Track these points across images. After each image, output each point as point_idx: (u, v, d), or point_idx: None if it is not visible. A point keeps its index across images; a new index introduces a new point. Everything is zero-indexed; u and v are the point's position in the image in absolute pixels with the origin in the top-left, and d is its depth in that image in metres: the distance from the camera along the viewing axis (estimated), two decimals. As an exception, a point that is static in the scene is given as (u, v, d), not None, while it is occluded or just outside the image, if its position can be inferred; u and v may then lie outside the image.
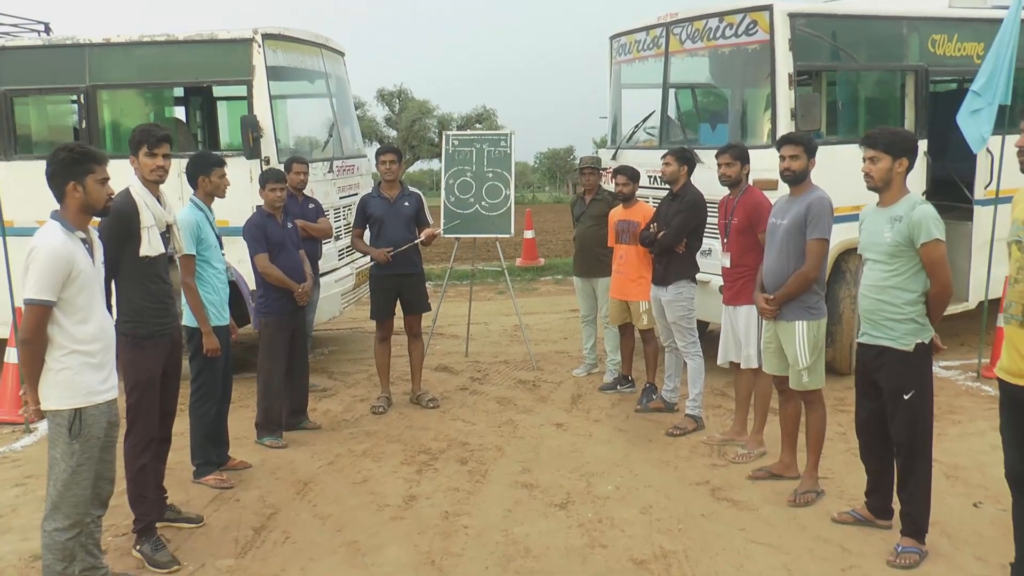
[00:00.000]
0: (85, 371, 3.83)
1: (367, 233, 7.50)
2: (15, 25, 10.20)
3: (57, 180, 3.85)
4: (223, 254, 5.75)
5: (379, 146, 7.57)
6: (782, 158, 5.31)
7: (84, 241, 3.88)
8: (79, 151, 3.86)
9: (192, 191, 5.64)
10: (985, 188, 8.51)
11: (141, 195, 4.67)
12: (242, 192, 7.81)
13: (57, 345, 3.80)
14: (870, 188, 4.58)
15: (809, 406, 5.33)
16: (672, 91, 8.71)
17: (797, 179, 5.27)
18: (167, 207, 4.87)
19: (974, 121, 7.40)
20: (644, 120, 8.99)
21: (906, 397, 4.41)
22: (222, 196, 5.71)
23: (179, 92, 10.60)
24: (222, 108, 11.06)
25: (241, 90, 8.27)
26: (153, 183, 4.81)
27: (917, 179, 7.94)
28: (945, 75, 9.10)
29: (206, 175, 5.57)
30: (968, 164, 8.54)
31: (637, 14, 9.24)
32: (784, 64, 7.35)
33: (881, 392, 4.57)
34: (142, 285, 4.65)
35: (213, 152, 5.73)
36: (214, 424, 5.76)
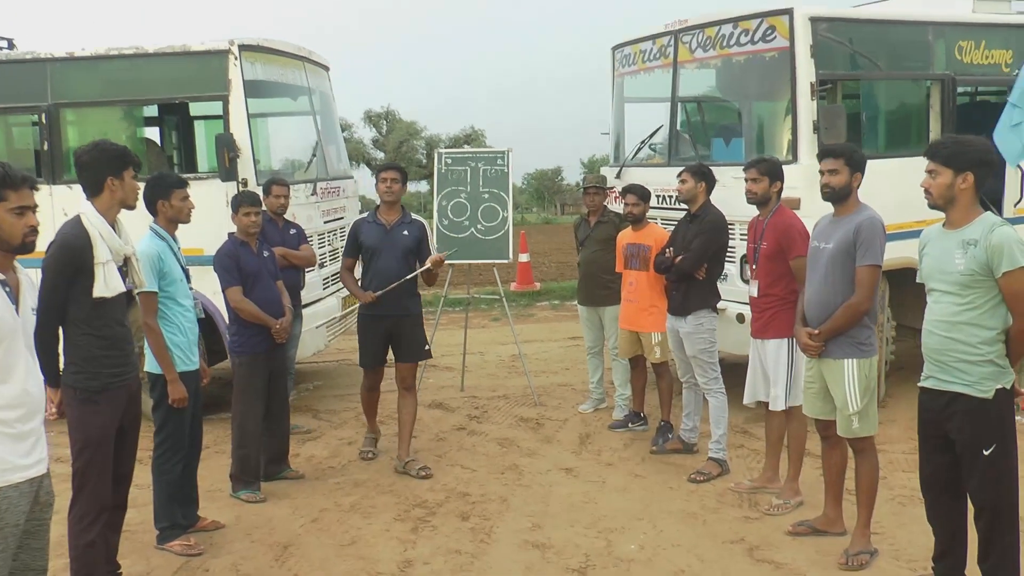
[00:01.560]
0: (0, 443, 3.12)
1: (359, 265, 6.59)
2: (-23, 42, 9.60)
3: None
4: (191, 288, 5.09)
5: (377, 165, 6.55)
6: (821, 173, 4.71)
7: (4, 284, 3.16)
8: None
9: (152, 218, 4.99)
10: (1015, 206, 7.95)
11: (96, 225, 4.01)
12: (218, 217, 7.19)
13: None
14: (930, 206, 3.99)
15: (859, 455, 4.69)
16: (681, 104, 8.13)
17: (837, 196, 4.67)
18: (125, 237, 4.20)
19: (1014, 135, 6.83)
20: (651, 135, 8.40)
21: (986, 452, 3.77)
22: (186, 221, 5.05)
23: (153, 111, 9.98)
24: (200, 128, 10.42)
25: (217, 107, 7.64)
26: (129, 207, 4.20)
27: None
28: (972, 84, 8.56)
29: (165, 199, 4.90)
30: (995, 180, 7.98)
31: (628, 34, 8.65)
32: (805, 72, 6.80)
33: (950, 444, 3.93)
34: (95, 330, 3.99)
35: (173, 173, 5.08)
36: (180, 482, 5.07)
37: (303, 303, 7.55)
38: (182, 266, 5.01)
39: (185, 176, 8.35)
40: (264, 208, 7.06)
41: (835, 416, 4.72)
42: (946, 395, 3.86)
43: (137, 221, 4.89)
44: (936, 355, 3.88)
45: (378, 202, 6.51)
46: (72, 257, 3.90)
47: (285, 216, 7.26)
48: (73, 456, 4.02)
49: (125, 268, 4.18)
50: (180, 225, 5.15)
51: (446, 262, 7.06)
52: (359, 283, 6.52)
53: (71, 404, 3.97)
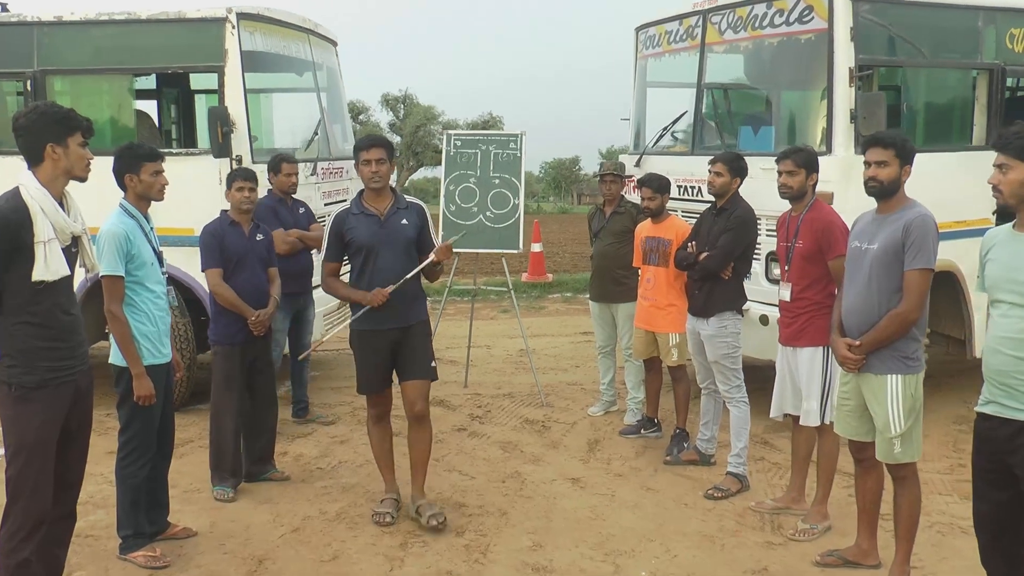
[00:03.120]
0: None
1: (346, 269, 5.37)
2: (-32, 5, 9.17)
3: None
4: (164, 272, 4.62)
5: (356, 142, 5.27)
6: (867, 164, 4.19)
7: None
8: None
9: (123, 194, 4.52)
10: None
11: (37, 198, 3.52)
12: (211, 195, 6.78)
13: None
14: (1001, 205, 3.47)
15: (900, 483, 4.18)
16: (707, 89, 7.61)
17: (885, 192, 4.15)
18: (73, 213, 3.72)
19: None
20: (674, 122, 7.87)
21: (1061, 494, 3.26)
22: (158, 198, 4.57)
23: (151, 83, 9.52)
24: (200, 102, 9.95)
25: (215, 79, 7.17)
26: (78, 179, 3.71)
27: (989, 196, 6.83)
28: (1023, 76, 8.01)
29: (134, 173, 4.43)
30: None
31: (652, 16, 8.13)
32: (844, 57, 6.27)
33: (1012, 479, 3.41)
34: (34, 318, 3.51)
35: (144, 144, 4.61)
36: (148, 486, 4.60)
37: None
38: (155, 248, 4.54)
39: (179, 151, 8.03)
40: (271, 187, 6.72)
41: (872, 437, 4.23)
42: (1012, 424, 3.33)
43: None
44: (1002, 377, 3.35)
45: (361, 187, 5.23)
46: (7, 234, 3.41)
47: (294, 196, 6.86)
48: (6, 461, 3.56)
49: (75, 249, 3.71)
50: (171, 203, 4.77)
51: (453, 250, 5.55)
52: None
53: (4, 402, 3.51)
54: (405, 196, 5.18)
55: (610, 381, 7.40)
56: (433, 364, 5.16)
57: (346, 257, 5.15)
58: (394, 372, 5.18)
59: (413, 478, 5.19)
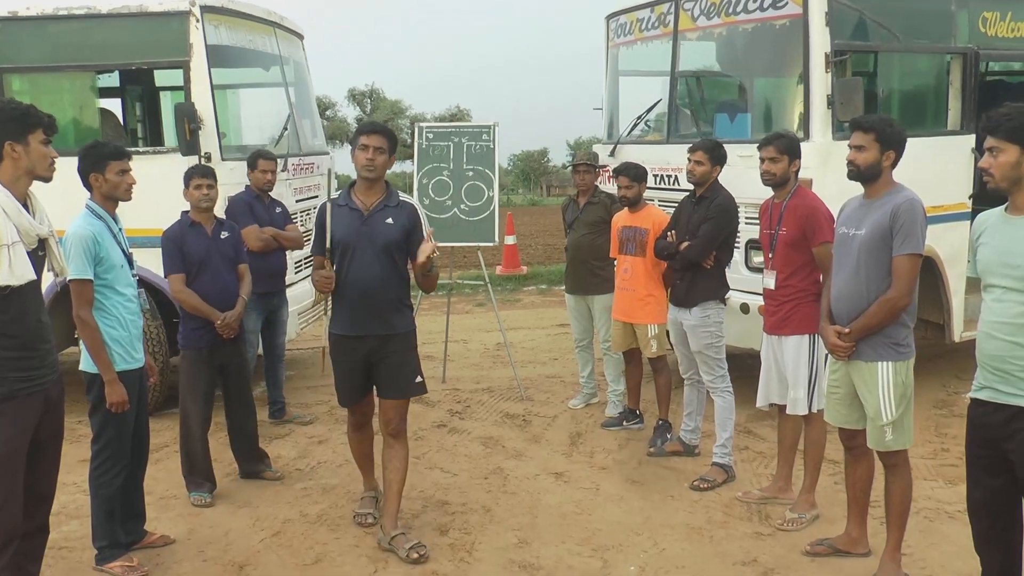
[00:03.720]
0: None
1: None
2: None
3: None
4: (134, 275, 4.48)
5: (358, 126, 4.88)
6: (850, 148, 4.15)
7: None
8: None
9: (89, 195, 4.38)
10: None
11: (1, 201, 3.37)
12: (179, 195, 6.61)
13: None
14: (991, 188, 3.43)
15: (891, 470, 4.16)
16: (681, 77, 7.55)
17: (863, 176, 4.11)
18: (39, 215, 3.57)
19: None
20: (649, 110, 7.80)
21: (1056, 478, 3.22)
22: (124, 199, 4.42)
23: (114, 81, 9.30)
24: (165, 99, 9.74)
25: (180, 76, 7.00)
26: (42, 179, 3.55)
27: (965, 180, 6.89)
28: (997, 59, 8.02)
29: (100, 172, 4.28)
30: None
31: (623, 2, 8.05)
32: (820, 43, 6.21)
33: (1005, 464, 3.38)
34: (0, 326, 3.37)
35: (109, 142, 4.44)
36: (123, 495, 4.47)
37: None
38: (124, 250, 4.40)
39: (146, 149, 7.85)
40: (248, 184, 6.68)
41: (862, 425, 4.19)
42: (1007, 410, 3.29)
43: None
44: (996, 363, 3.31)
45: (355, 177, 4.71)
46: None
47: (271, 194, 6.75)
48: (-25, 477, 3.42)
49: (41, 252, 3.56)
50: (138, 203, 4.62)
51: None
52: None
53: None
54: (400, 194, 4.65)
55: (589, 374, 7.33)
56: (419, 380, 4.73)
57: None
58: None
59: (386, 505, 4.75)
